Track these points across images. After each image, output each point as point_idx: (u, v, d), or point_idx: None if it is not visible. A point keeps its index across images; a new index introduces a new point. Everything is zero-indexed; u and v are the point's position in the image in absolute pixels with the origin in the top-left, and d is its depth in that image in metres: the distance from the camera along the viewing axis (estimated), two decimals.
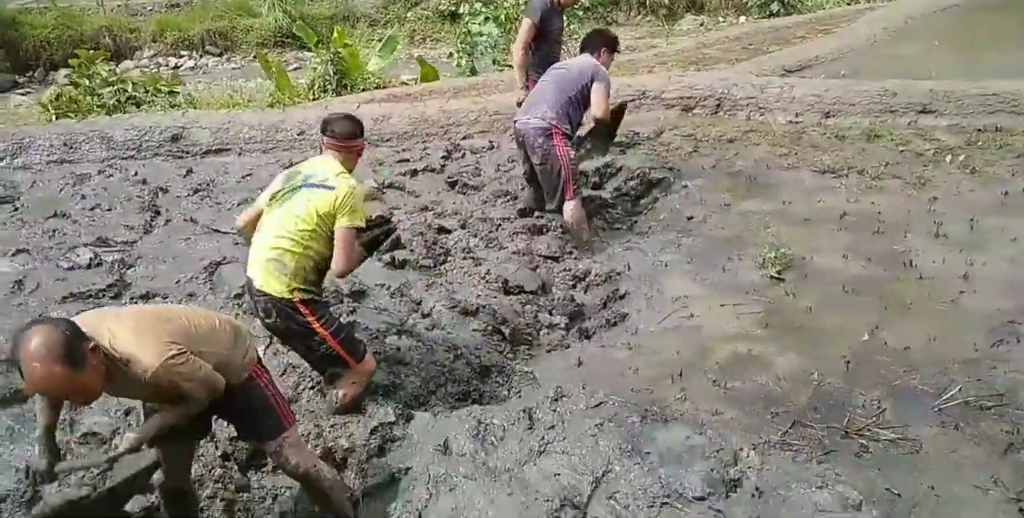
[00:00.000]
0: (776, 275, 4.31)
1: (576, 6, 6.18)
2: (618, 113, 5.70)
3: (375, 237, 3.48)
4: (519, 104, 5.64)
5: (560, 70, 5.29)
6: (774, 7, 15.02)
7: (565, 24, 6.65)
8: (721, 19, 16.67)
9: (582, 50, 5.41)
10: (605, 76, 5.17)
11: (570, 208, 5.09)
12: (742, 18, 16.04)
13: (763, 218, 4.99)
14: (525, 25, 5.78)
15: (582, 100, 5.13)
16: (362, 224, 3.27)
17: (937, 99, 6.56)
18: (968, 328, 3.70)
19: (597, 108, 5.13)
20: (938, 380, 3.36)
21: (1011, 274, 4.14)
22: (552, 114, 5.02)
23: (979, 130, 6.16)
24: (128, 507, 3.09)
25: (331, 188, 3.23)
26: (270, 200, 3.35)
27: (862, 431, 3.11)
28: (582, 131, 5.50)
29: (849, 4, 14.86)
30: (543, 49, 5.84)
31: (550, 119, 5.01)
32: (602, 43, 5.33)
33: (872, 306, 3.95)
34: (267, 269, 3.19)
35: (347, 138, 3.39)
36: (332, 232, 3.23)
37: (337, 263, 3.25)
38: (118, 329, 2.44)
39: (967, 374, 3.38)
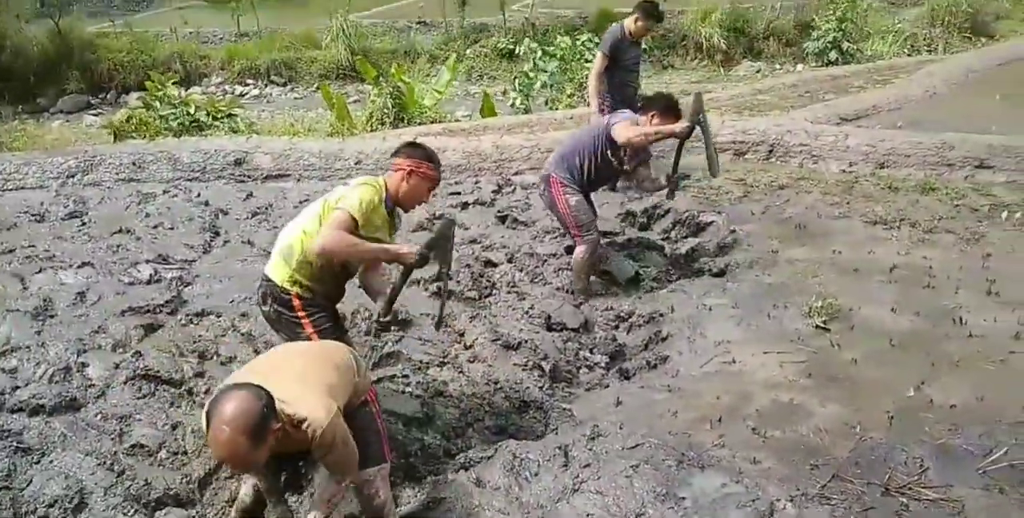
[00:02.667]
0: (822, 325, 4.27)
1: (648, 35, 6.44)
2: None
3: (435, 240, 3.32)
4: None
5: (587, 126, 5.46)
6: (832, 55, 15.00)
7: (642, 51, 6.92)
8: (778, 66, 16.67)
9: (639, 108, 5.12)
10: (623, 117, 4.90)
11: (576, 253, 5.07)
12: (800, 66, 16.03)
13: (811, 267, 4.96)
14: (598, 57, 6.40)
15: (596, 148, 4.96)
16: (356, 214, 3.13)
17: (996, 154, 6.49)
18: (1017, 389, 3.61)
19: (618, 135, 4.80)
20: (983, 441, 3.29)
21: None
22: (553, 161, 5.07)
23: None
24: None
25: (347, 185, 3.37)
26: None
27: (903, 489, 3.06)
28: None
29: (909, 55, 14.78)
30: (618, 76, 6.35)
31: (548, 167, 5.08)
32: (652, 107, 4.93)
33: (919, 361, 3.89)
34: (278, 255, 3.33)
35: (396, 154, 3.46)
36: None
37: (320, 237, 3.12)
38: (287, 388, 2.53)
39: (1014, 436, 3.30)
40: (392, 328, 3.65)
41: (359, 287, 3.67)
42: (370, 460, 2.90)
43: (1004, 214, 5.59)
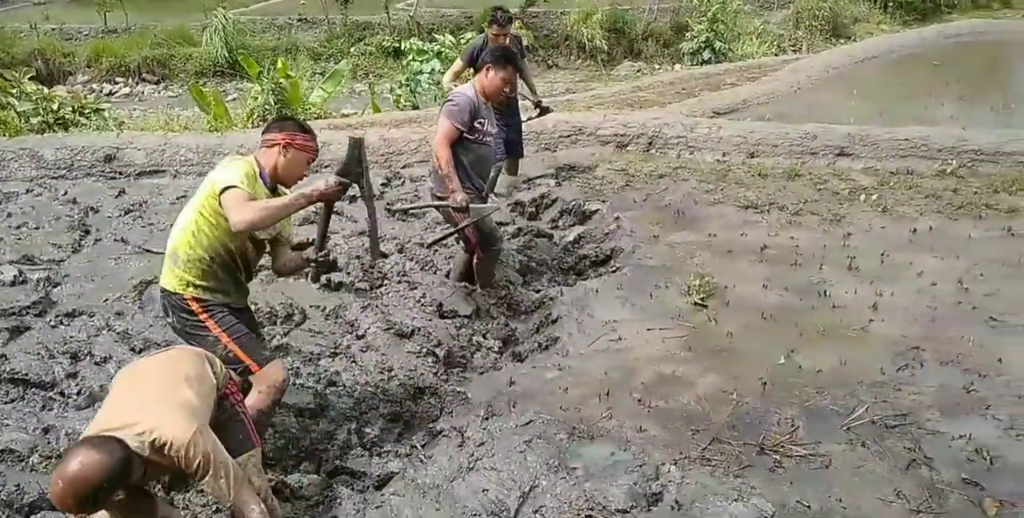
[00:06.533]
0: (700, 302, 4.48)
1: (504, 39, 6.07)
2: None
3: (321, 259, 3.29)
4: None
5: None
6: (706, 55, 15.65)
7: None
8: (657, 66, 17.25)
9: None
10: (448, 109, 4.53)
11: (477, 266, 4.90)
12: (677, 66, 16.63)
13: (689, 249, 5.19)
14: (455, 63, 6.28)
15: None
16: (245, 188, 2.96)
17: (854, 142, 6.96)
18: (876, 353, 3.92)
19: (436, 142, 4.52)
20: (847, 401, 3.55)
21: (917, 304, 4.40)
22: (432, 173, 4.76)
23: (891, 172, 6.55)
24: None
25: (215, 169, 3.16)
26: None
27: (776, 447, 3.26)
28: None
29: (776, 55, 15.59)
30: None
31: (431, 179, 4.78)
32: (488, 60, 4.65)
33: (788, 332, 4.15)
34: (166, 264, 3.17)
35: (266, 130, 3.25)
36: (223, 215, 3.01)
37: (234, 215, 2.91)
38: (143, 418, 2.43)
39: (874, 395, 3.57)
40: (331, 269, 3.44)
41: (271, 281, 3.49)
42: (238, 449, 2.83)
43: (862, 197, 6.00)
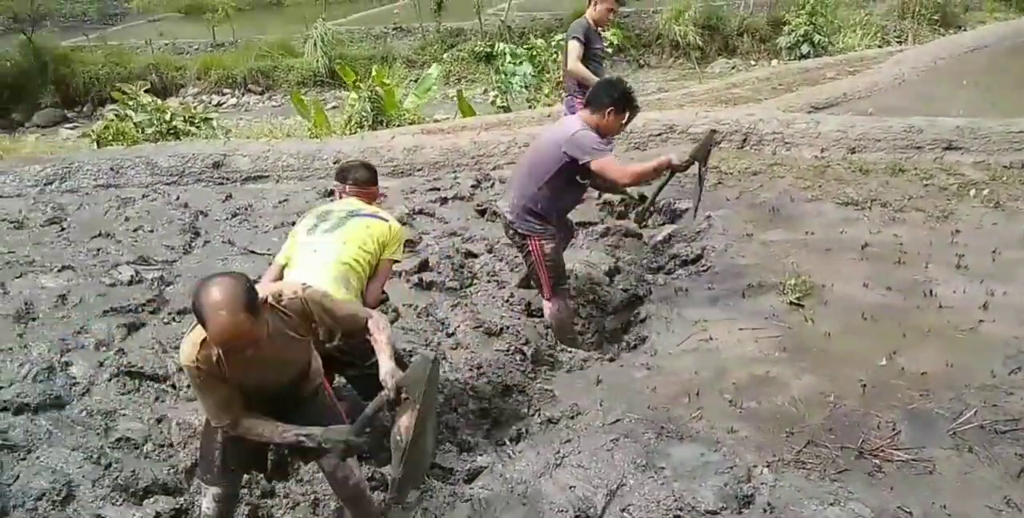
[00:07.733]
0: (796, 301, 4.35)
1: (611, 18, 5.95)
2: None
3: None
4: None
5: (538, 141, 4.49)
6: (804, 49, 15.17)
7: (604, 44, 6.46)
8: (753, 62, 16.86)
9: (586, 105, 4.22)
10: (598, 148, 4.04)
11: (547, 308, 4.48)
12: (774, 62, 16.20)
13: (785, 247, 5.04)
14: (572, 46, 5.85)
15: (557, 184, 4.18)
16: (401, 259, 3.40)
17: (963, 136, 6.60)
18: (986, 355, 3.72)
19: (619, 179, 4.11)
20: (954, 404, 3.38)
21: None
22: (517, 209, 4.30)
23: (1004, 166, 6.18)
24: None
25: (385, 220, 3.46)
26: (308, 231, 3.41)
27: (876, 451, 3.13)
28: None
29: (880, 47, 14.97)
30: (589, 67, 5.78)
31: (515, 217, 4.31)
32: (608, 102, 4.10)
33: (891, 333, 3.98)
34: (334, 284, 3.14)
35: (368, 183, 3.64)
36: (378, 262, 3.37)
37: (372, 292, 3.36)
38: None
39: (983, 399, 3.39)
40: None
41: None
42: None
43: (972, 192, 5.70)
